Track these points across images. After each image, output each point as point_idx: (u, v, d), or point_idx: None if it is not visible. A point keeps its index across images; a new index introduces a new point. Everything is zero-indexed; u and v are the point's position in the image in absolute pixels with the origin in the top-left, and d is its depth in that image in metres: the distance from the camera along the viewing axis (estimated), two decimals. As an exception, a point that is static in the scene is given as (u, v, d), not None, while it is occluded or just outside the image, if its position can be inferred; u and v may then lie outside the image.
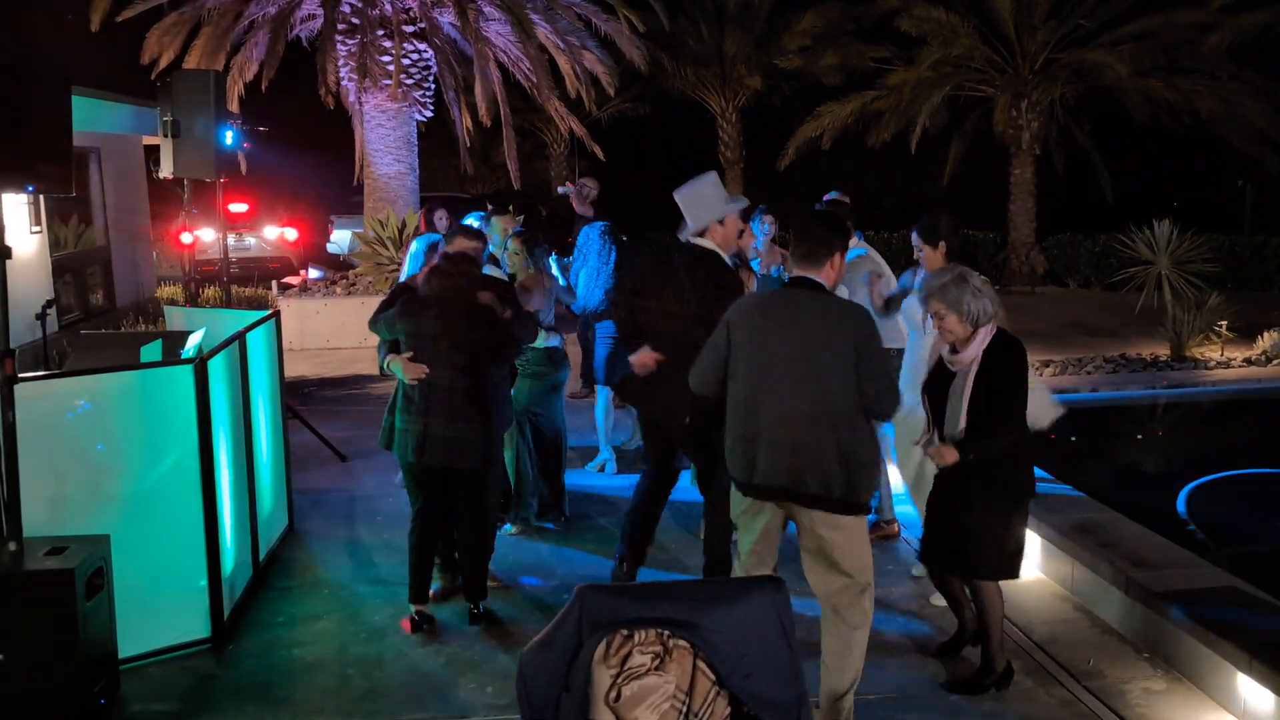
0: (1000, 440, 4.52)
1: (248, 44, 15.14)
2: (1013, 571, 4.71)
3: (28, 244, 11.25)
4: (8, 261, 4.63)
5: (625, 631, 2.83)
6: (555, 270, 7.36)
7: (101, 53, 15.05)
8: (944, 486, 4.72)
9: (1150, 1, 18.06)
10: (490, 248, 6.57)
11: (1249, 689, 4.33)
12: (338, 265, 18.82)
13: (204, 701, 4.79)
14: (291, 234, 20.85)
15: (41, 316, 8.36)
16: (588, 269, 8.18)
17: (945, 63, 19.07)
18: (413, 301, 5.29)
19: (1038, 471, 5.08)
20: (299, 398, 10.10)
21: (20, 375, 4.61)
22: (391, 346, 5.35)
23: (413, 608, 5.41)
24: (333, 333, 13.48)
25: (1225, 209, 21.98)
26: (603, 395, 7.99)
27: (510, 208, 14.83)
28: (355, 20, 14.70)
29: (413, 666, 5.07)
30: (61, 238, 13.24)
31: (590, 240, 8.30)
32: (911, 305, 5.98)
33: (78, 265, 13.47)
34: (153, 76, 14.23)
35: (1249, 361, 11.20)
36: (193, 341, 6.43)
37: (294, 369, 10.72)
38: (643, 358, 5.45)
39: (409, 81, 14.93)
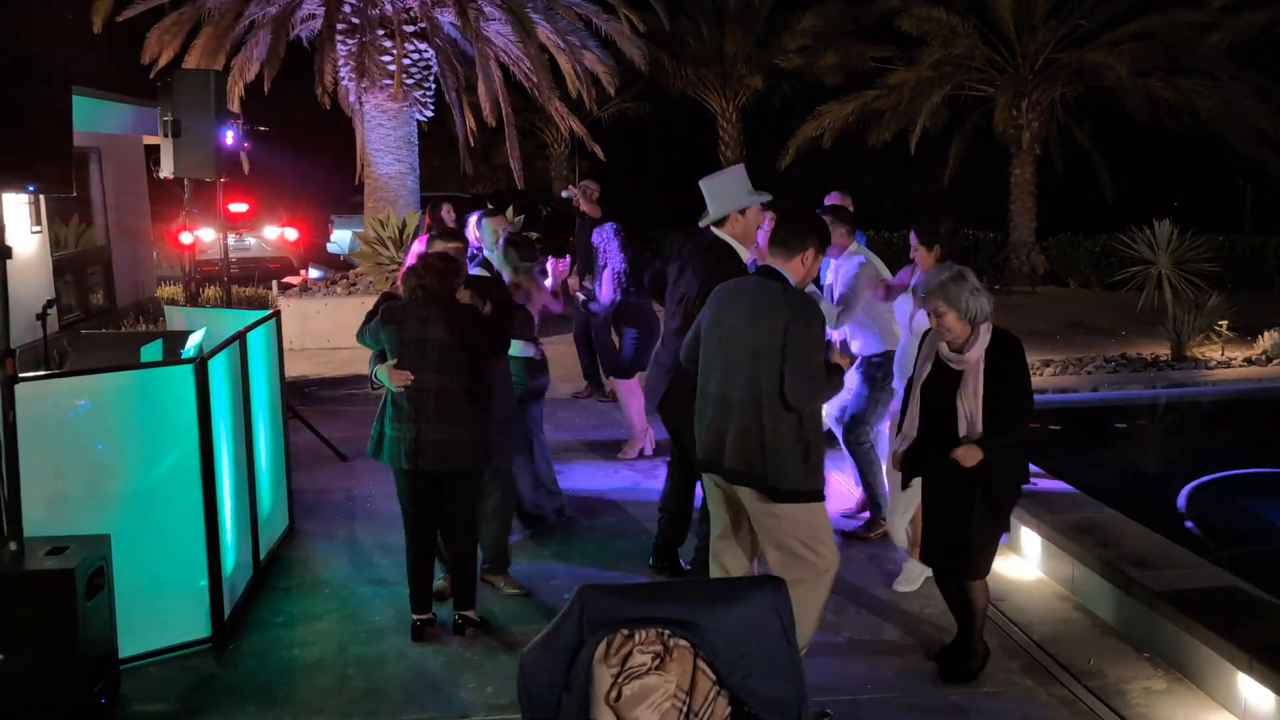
0: (1014, 436, 4.58)
1: (248, 44, 15.12)
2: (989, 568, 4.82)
3: (28, 244, 11.25)
4: (8, 261, 4.63)
5: (626, 631, 2.83)
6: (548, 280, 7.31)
7: (102, 52, 15.07)
8: (943, 490, 4.73)
9: (1150, 1, 18.05)
10: (485, 251, 6.55)
11: (1249, 688, 4.33)
12: (338, 265, 18.82)
13: (204, 701, 4.79)
14: (292, 234, 20.85)
15: (42, 316, 8.35)
16: (610, 270, 8.37)
17: (945, 62, 19.07)
18: (393, 309, 5.24)
19: (1037, 472, 5.10)
20: (299, 397, 10.10)
21: (21, 375, 4.61)
22: (380, 357, 5.29)
23: (415, 616, 5.35)
24: (333, 332, 13.48)
25: (1225, 209, 21.97)
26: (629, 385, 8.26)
27: (510, 208, 14.87)
28: (355, 20, 14.69)
29: (413, 666, 5.07)
30: (62, 237, 13.24)
31: (608, 240, 8.54)
32: (902, 303, 5.99)
33: (78, 265, 13.47)
34: (153, 76, 14.22)
35: (1249, 361, 11.20)
36: (193, 341, 6.44)
37: (294, 369, 10.72)
38: None
39: (409, 81, 14.93)
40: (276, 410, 6.77)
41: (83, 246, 13.84)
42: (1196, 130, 18.78)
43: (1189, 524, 6.91)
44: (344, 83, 14.99)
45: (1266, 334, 11.62)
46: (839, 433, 6.51)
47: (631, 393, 8.33)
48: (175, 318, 7.89)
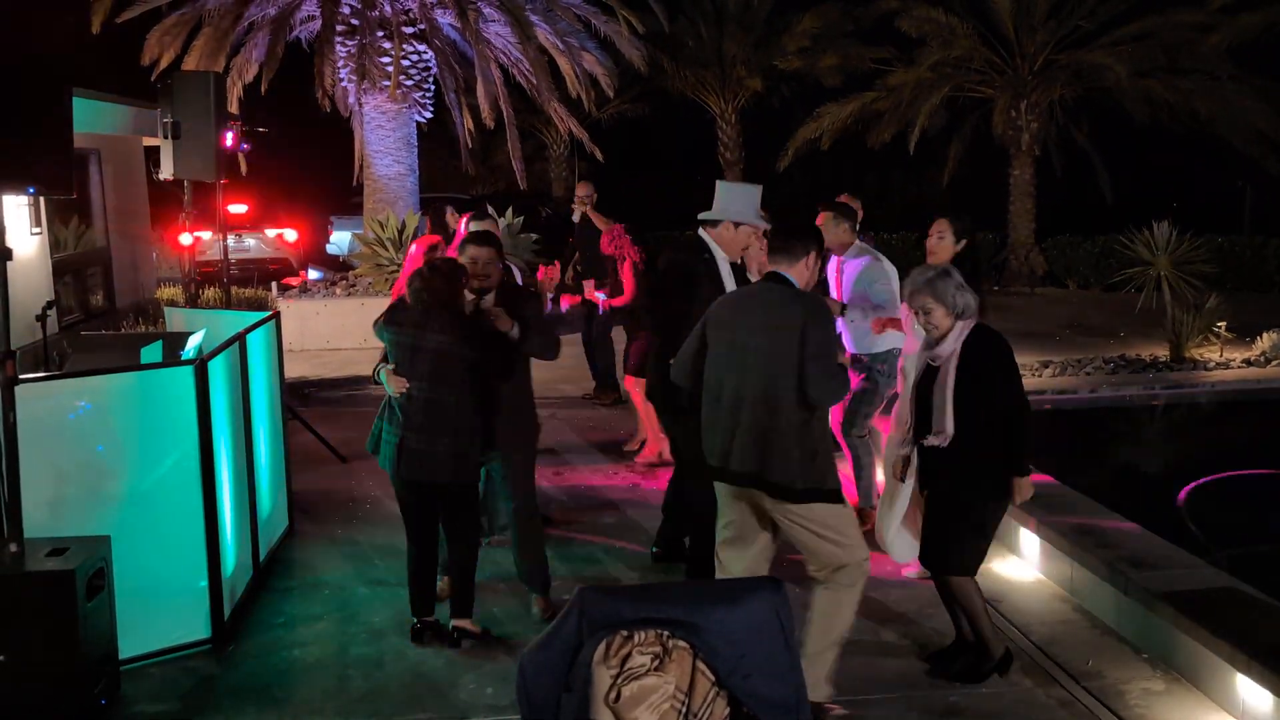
0: (1024, 437, 4.61)
1: (247, 45, 15.13)
2: (978, 565, 4.82)
3: (28, 245, 11.25)
4: (8, 263, 4.64)
5: (625, 632, 2.84)
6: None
7: (101, 54, 15.06)
8: (941, 490, 4.74)
9: (1150, 2, 18.07)
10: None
11: (1248, 689, 4.34)
12: (337, 266, 18.83)
13: (204, 702, 4.79)
14: (291, 235, 20.85)
15: (42, 318, 8.35)
16: (629, 265, 8.48)
17: (945, 64, 19.08)
18: (395, 310, 5.19)
19: (1036, 472, 5.11)
20: (299, 399, 10.11)
21: (21, 376, 4.62)
22: (387, 356, 5.28)
23: (414, 619, 5.32)
24: (332, 334, 13.48)
25: (1224, 210, 21.99)
26: None
27: (510, 209, 14.87)
28: (355, 21, 14.70)
29: (412, 667, 5.07)
30: (62, 239, 13.22)
31: (619, 236, 8.68)
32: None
33: (78, 266, 13.46)
34: (153, 78, 14.23)
35: (1248, 362, 11.20)
36: (193, 343, 6.44)
37: (294, 370, 10.73)
38: None
39: (409, 83, 14.94)
40: (276, 411, 6.78)
41: (82, 248, 13.83)
42: (1196, 131, 18.80)
43: (1188, 525, 6.92)
44: (343, 84, 15.00)
45: (1265, 335, 11.62)
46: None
47: None
48: (175, 319, 7.89)
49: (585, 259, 10.32)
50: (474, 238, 5.42)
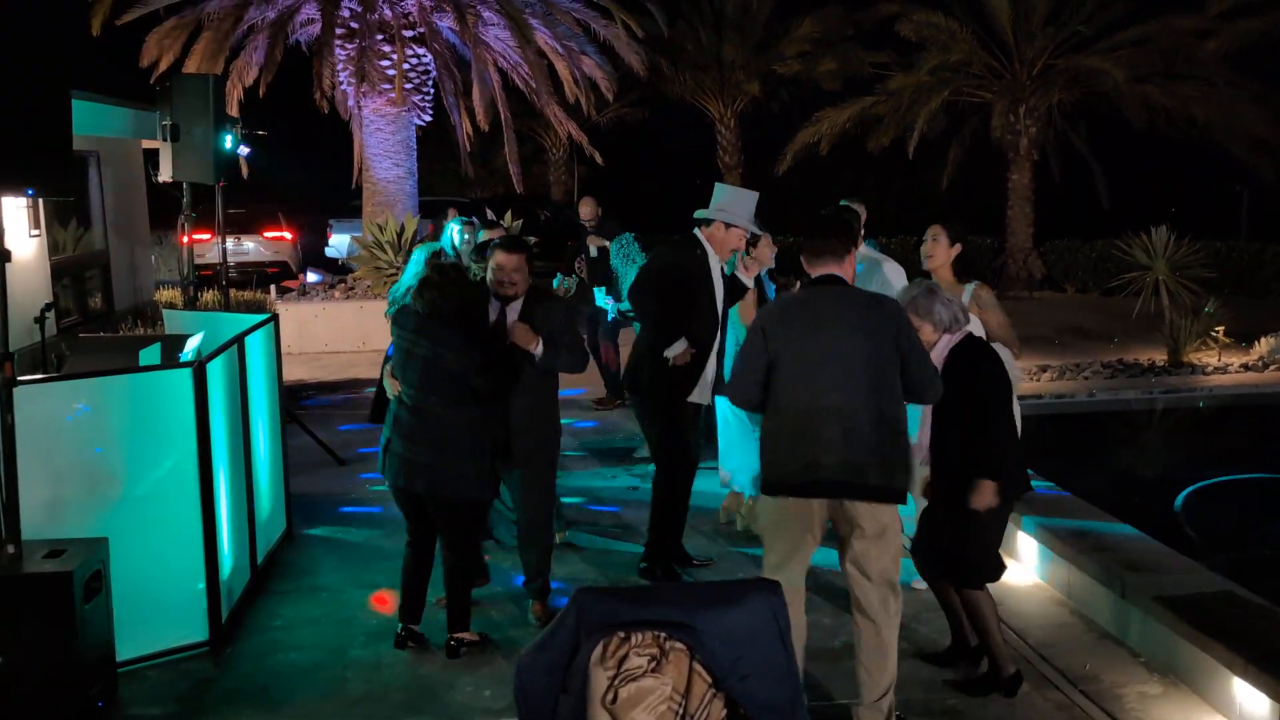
0: (999, 445, 4.57)
1: (247, 48, 15.15)
2: (999, 574, 4.77)
3: (27, 247, 11.24)
4: (7, 265, 4.64)
5: (622, 634, 2.84)
6: None
7: (101, 56, 15.06)
8: (941, 497, 4.74)
9: (1148, 7, 18.12)
10: (449, 250, 6.64)
11: (1244, 693, 4.34)
12: (336, 269, 18.83)
13: (201, 705, 4.79)
14: (290, 238, 20.87)
15: (40, 320, 8.34)
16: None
17: (944, 68, 19.12)
18: (403, 312, 5.15)
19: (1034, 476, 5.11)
20: (297, 401, 10.10)
21: (19, 378, 4.62)
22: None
23: (400, 625, 5.27)
24: (331, 337, 13.49)
25: (1222, 215, 22.02)
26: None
27: (509, 212, 14.89)
28: (354, 25, 14.71)
29: (410, 670, 5.07)
30: (60, 241, 13.21)
31: (630, 245, 8.95)
32: None
33: (76, 269, 13.45)
34: (152, 80, 14.24)
35: (1246, 367, 11.22)
36: (191, 345, 6.44)
37: (292, 373, 10.72)
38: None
39: (408, 86, 14.95)
40: (274, 414, 6.77)
41: (81, 250, 13.82)
42: (1194, 136, 18.83)
43: (1185, 529, 6.92)
44: (342, 87, 15.01)
45: (1263, 340, 11.64)
46: None
47: None
48: (173, 321, 7.89)
49: (601, 268, 10.24)
50: (503, 244, 5.28)
